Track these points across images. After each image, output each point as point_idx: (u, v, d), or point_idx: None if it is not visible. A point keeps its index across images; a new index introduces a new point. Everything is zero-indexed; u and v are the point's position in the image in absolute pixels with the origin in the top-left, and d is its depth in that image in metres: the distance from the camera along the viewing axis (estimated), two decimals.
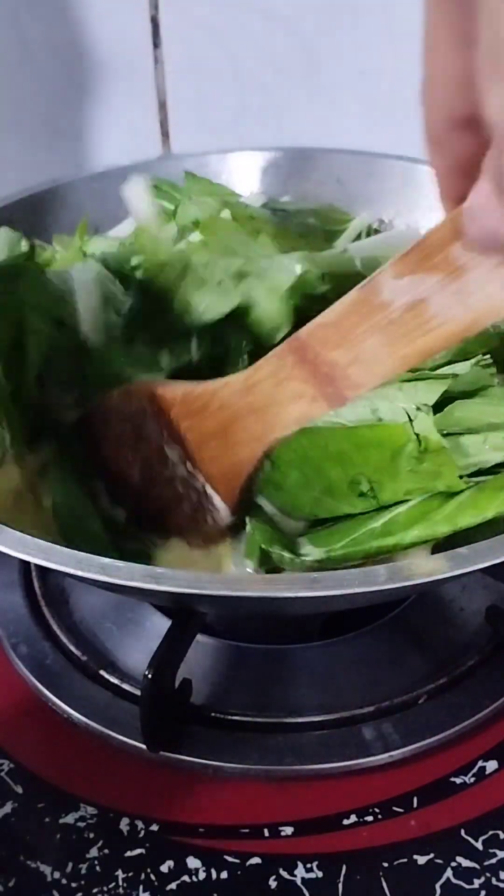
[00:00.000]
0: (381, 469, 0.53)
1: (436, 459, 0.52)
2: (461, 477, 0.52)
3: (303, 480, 0.55)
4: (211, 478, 0.54)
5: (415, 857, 0.52)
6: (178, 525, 0.56)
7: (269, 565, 0.53)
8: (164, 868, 0.52)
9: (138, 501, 0.58)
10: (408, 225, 0.85)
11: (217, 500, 0.54)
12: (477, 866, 0.52)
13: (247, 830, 0.54)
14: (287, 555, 0.53)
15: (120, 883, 0.52)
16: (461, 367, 0.55)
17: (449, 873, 0.52)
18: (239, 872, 0.52)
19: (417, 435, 0.52)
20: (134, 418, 0.56)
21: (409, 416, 0.53)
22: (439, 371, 0.55)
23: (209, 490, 0.54)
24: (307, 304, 0.60)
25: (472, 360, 0.56)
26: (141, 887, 0.51)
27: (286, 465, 0.55)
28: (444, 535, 0.51)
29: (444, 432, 0.52)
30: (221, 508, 0.54)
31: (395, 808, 0.55)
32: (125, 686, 0.61)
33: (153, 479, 0.56)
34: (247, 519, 0.55)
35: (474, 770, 0.57)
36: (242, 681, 0.61)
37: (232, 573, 0.55)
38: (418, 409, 0.53)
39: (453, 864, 0.52)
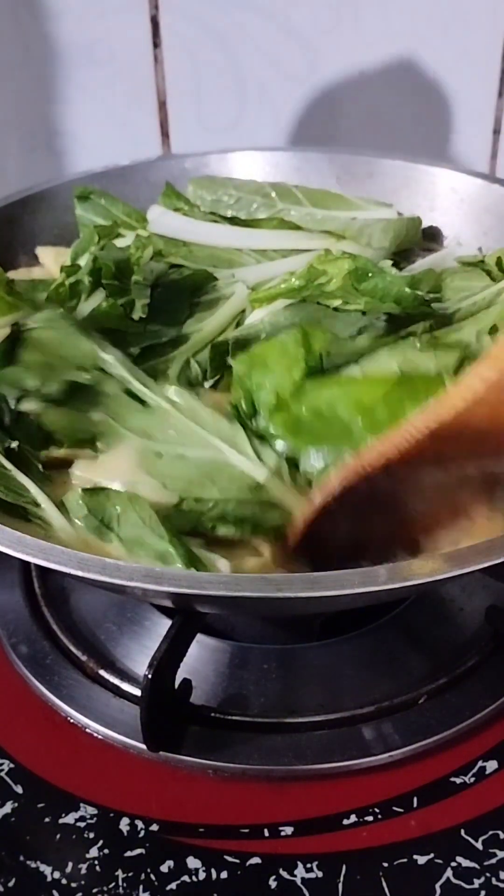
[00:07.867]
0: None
1: None
2: None
3: (324, 429, 0.54)
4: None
5: (415, 857, 0.52)
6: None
7: None
8: (164, 868, 0.52)
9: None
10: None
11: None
12: (477, 866, 0.52)
13: (247, 830, 0.54)
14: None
15: (120, 883, 0.52)
16: (470, 335, 0.57)
17: (449, 873, 0.52)
18: (239, 872, 0.52)
19: None
20: (373, 486, 0.52)
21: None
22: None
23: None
24: None
25: (481, 327, 0.59)
26: (141, 887, 0.51)
27: (312, 412, 0.55)
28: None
29: None
30: None
31: (395, 808, 0.55)
32: (125, 686, 0.61)
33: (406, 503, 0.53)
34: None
35: (474, 770, 0.57)
36: (242, 681, 0.61)
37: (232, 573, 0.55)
38: (438, 373, 0.54)
39: (453, 864, 0.52)
